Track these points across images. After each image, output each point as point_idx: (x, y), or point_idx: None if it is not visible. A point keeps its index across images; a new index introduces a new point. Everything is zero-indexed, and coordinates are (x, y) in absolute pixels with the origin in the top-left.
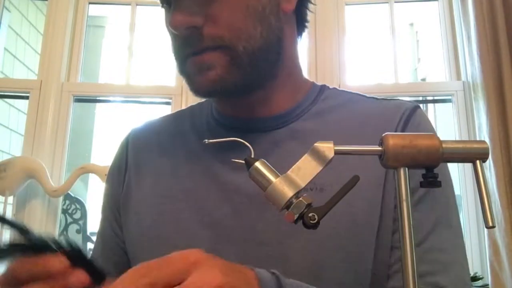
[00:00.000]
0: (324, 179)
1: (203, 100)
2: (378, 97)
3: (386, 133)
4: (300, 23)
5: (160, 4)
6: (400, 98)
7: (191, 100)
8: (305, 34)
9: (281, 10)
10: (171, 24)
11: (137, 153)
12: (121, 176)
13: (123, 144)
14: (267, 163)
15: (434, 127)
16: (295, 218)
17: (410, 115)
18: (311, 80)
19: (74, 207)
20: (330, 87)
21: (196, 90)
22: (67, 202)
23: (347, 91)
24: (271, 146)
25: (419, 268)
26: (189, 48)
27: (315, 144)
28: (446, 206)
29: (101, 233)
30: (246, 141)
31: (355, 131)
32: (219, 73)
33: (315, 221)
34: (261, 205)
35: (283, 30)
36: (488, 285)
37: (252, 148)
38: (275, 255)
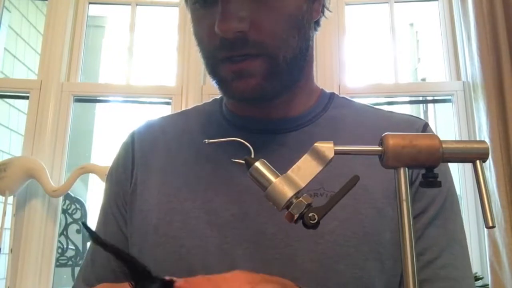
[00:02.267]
0: (332, 186)
1: (209, 100)
2: (386, 110)
3: (386, 133)
4: (316, 29)
5: (196, 3)
6: (401, 98)
7: (191, 100)
8: None
9: (312, 19)
10: (221, 27)
11: (143, 151)
12: (127, 173)
13: (127, 142)
14: (267, 163)
15: (434, 128)
16: (295, 218)
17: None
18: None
19: (74, 207)
20: (340, 95)
21: (233, 95)
22: (67, 202)
23: (356, 102)
24: (282, 148)
25: (434, 284)
26: (229, 51)
27: (315, 144)
28: (457, 223)
29: (103, 232)
30: (257, 141)
31: (367, 143)
32: (259, 82)
33: (315, 221)
34: (270, 208)
35: (312, 38)
36: (488, 285)
37: (262, 149)
38: (282, 257)
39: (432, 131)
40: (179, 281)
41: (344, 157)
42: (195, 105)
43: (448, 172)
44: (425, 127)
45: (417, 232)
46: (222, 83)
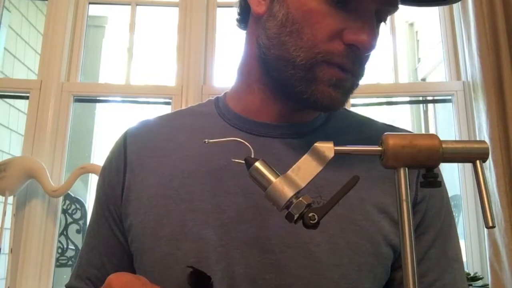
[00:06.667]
0: (330, 195)
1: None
2: (386, 123)
3: (386, 133)
4: None
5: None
6: (400, 98)
7: (191, 100)
8: None
9: None
10: (368, 42)
11: (137, 153)
12: (119, 177)
13: (119, 144)
14: (267, 163)
15: (434, 128)
16: (295, 218)
17: None
18: None
19: (74, 207)
20: None
21: (320, 98)
22: (67, 202)
23: (355, 113)
24: (281, 153)
25: None
26: (349, 62)
27: (315, 144)
28: (455, 240)
29: (97, 236)
30: (257, 144)
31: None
32: (345, 96)
33: (315, 221)
34: (266, 211)
35: None
36: (488, 285)
37: (261, 152)
38: (276, 263)
39: None
40: None
41: (343, 167)
42: (189, 106)
43: (444, 190)
44: None
45: (419, 255)
46: (312, 82)
